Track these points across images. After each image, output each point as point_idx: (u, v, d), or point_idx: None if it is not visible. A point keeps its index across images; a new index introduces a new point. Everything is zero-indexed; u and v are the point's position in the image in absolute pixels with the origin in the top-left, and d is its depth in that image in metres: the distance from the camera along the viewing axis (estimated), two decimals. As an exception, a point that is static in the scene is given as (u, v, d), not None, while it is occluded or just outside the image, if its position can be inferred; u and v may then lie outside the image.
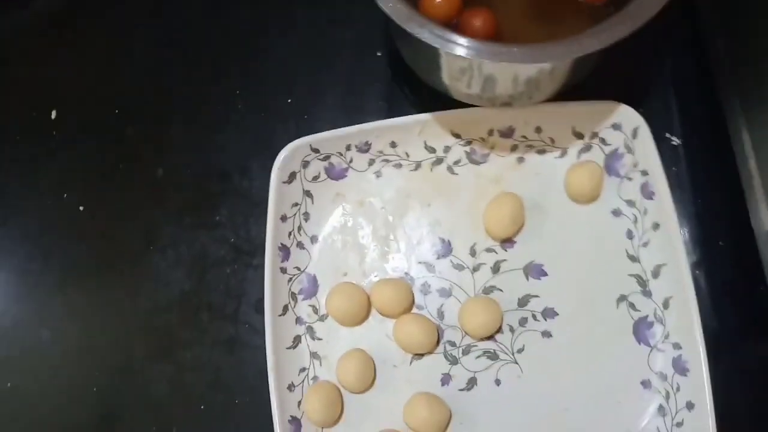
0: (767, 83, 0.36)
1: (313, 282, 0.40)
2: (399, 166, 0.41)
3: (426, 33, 0.32)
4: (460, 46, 0.31)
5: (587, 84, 0.37)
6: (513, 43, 0.32)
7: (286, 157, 0.39)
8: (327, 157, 0.41)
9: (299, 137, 0.40)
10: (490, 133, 0.40)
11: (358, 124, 0.40)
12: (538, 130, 0.40)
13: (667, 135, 0.40)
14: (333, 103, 0.44)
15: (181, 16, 0.48)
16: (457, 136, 0.41)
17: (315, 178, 0.41)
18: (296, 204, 0.40)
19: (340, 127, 0.40)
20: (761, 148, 0.36)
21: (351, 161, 0.41)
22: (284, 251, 0.39)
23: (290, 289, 0.39)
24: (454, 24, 0.38)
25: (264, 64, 0.46)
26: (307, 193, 0.40)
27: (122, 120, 0.47)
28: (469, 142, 0.41)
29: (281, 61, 0.46)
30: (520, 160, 0.40)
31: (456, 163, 0.41)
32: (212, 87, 0.46)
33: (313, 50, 0.46)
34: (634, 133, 0.38)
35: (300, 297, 0.40)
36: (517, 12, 0.39)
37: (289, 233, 0.40)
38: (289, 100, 0.45)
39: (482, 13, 0.38)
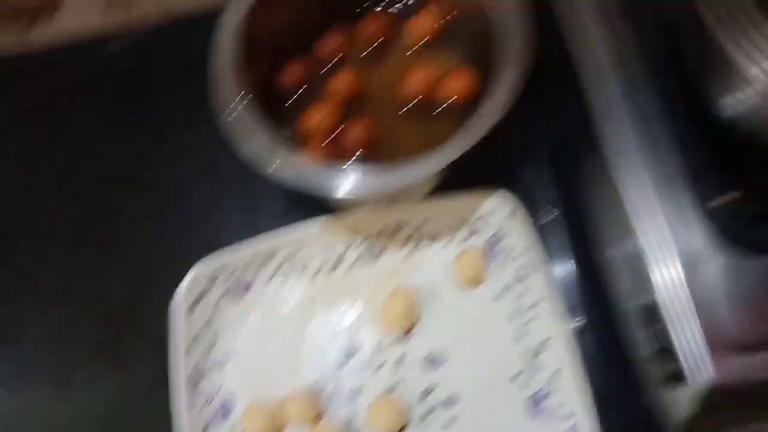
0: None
1: (227, 405, 0.40)
2: (301, 272, 0.43)
3: (295, 180, 0.35)
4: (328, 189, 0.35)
5: (468, 170, 0.39)
6: (385, 162, 0.35)
7: (187, 285, 0.41)
8: (231, 274, 0.43)
9: (203, 257, 0.42)
10: (382, 230, 0.43)
11: (257, 237, 0.43)
12: (426, 221, 0.43)
13: (548, 208, 0.44)
14: (232, 221, 0.46)
15: (75, 145, 0.51)
16: (352, 237, 0.43)
17: (219, 299, 0.42)
18: (202, 330, 0.41)
19: (241, 242, 0.42)
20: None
21: (254, 275, 0.43)
22: (192, 382, 0.40)
23: (203, 419, 0.40)
24: (340, 132, 0.42)
25: (160, 188, 0.48)
26: (212, 317, 0.42)
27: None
28: (364, 241, 0.43)
29: (177, 184, 0.48)
30: (412, 252, 0.43)
31: (354, 263, 0.43)
32: (109, 213, 0.48)
33: (207, 171, 0.48)
34: (510, 217, 0.41)
35: (214, 424, 0.40)
36: (393, 119, 0.43)
37: (196, 363, 0.40)
38: (188, 222, 0.47)
39: (362, 123, 0.42)
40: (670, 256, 0.32)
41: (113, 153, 0.50)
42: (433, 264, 0.43)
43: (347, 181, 0.35)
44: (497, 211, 0.41)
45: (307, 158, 0.38)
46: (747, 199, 0.31)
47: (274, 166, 0.35)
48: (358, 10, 0.45)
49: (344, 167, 0.36)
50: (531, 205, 0.42)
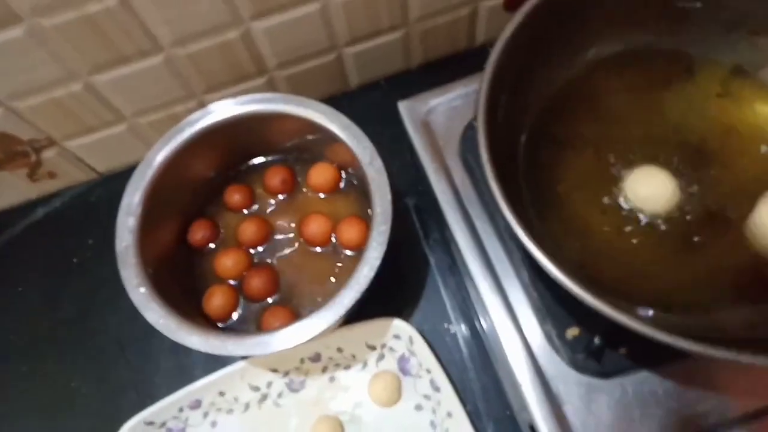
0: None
1: None
2: (231, 411, 0.46)
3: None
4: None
5: (376, 302, 0.44)
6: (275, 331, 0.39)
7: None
8: (163, 424, 0.45)
9: (135, 411, 0.44)
10: (302, 361, 0.47)
11: (190, 377, 0.46)
12: (340, 350, 0.46)
13: (446, 325, 0.48)
14: (162, 372, 0.49)
15: (12, 304, 0.54)
16: (274, 371, 0.47)
17: (154, 450, 0.45)
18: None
19: (170, 393, 0.45)
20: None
21: (186, 420, 0.46)
22: None
23: None
24: (243, 276, 0.46)
25: (98, 341, 0.51)
26: (147, 471, 0.44)
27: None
28: (286, 373, 0.47)
29: (108, 341, 0.51)
30: (332, 379, 0.47)
31: (279, 395, 0.47)
32: (42, 374, 0.50)
33: (137, 328, 0.49)
34: (411, 341, 0.45)
35: None
36: (300, 259, 0.47)
37: None
38: (125, 372, 0.50)
39: (265, 270, 0.45)
40: (542, 381, 0.36)
41: (43, 315, 0.53)
42: (353, 388, 0.46)
43: (248, 346, 0.38)
44: (401, 336, 0.45)
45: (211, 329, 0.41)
46: (583, 336, 0.35)
47: (180, 337, 0.38)
48: (254, 162, 0.50)
49: (243, 336, 0.39)
50: (434, 321, 0.47)
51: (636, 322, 0.27)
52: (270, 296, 0.45)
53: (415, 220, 0.52)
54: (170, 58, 0.46)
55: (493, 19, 0.56)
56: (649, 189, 0.35)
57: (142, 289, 0.40)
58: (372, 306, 0.44)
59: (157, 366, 0.50)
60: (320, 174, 0.47)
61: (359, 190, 0.48)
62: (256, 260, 0.47)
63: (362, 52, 0.54)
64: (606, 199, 0.36)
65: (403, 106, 0.44)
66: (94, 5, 0.39)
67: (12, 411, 0.50)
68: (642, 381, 0.36)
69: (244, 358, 0.45)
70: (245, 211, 0.49)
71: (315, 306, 0.45)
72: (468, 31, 0.57)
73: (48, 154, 0.52)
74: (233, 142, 0.48)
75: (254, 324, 0.45)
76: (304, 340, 0.38)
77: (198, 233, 0.48)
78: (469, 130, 0.42)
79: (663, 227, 0.36)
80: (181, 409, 0.45)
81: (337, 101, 0.58)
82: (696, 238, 0.35)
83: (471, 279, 0.40)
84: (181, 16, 0.43)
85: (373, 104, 0.58)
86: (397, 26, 0.52)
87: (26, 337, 0.52)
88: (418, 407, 0.45)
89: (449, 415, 0.44)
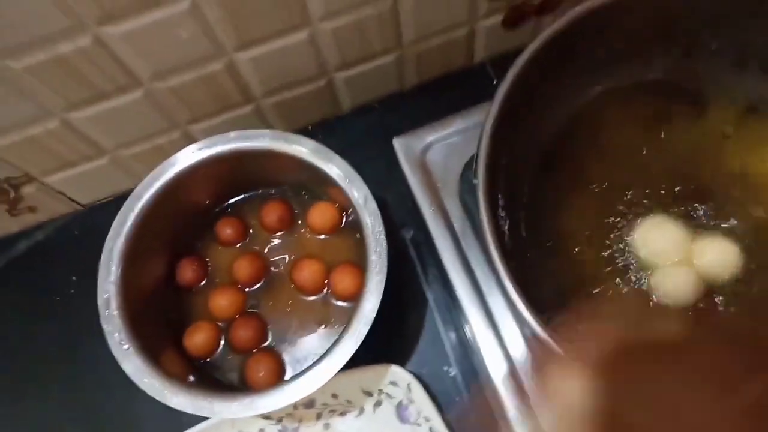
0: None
1: None
2: (222, 460, 0.45)
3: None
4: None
5: (373, 343, 0.40)
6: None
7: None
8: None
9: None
10: (295, 407, 0.45)
11: (179, 424, 0.44)
12: (335, 396, 0.45)
13: (445, 368, 0.46)
14: (154, 409, 0.47)
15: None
16: (267, 418, 0.45)
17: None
18: None
19: (166, 430, 0.44)
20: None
21: (176, 471, 0.44)
22: None
23: None
24: (233, 321, 0.44)
25: (84, 382, 0.49)
26: None
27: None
28: (279, 420, 0.45)
29: (100, 376, 0.49)
30: (327, 426, 0.45)
31: (272, 443, 0.45)
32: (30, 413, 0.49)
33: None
34: (409, 388, 0.43)
35: None
36: (293, 302, 0.45)
37: None
38: (113, 414, 0.48)
39: (253, 320, 0.44)
40: None
41: (24, 353, 0.51)
42: (349, 436, 0.45)
43: (236, 408, 0.37)
44: (398, 382, 0.44)
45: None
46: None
47: (164, 398, 0.37)
48: (251, 194, 0.48)
49: (231, 396, 0.38)
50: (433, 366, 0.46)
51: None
52: (256, 347, 0.43)
53: (413, 255, 0.50)
54: (151, 92, 0.44)
55: (491, 37, 0.53)
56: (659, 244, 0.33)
57: (126, 346, 0.38)
58: (369, 347, 0.42)
59: (145, 409, 0.47)
60: (320, 215, 0.44)
61: (354, 236, 0.45)
62: (250, 300, 0.45)
63: (354, 76, 0.51)
64: (610, 252, 0.34)
65: (399, 144, 0.42)
66: (66, 45, 0.37)
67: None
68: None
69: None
70: (238, 245, 0.47)
71: (303, 355, 0.43)
72: (466, 51, 0.54)
73: (27, 189, 0.49)
74: (225, 177, 0.46)
75: (236, 363, 0.43)
76: (292, 401, 0.36)
77: (187, 273, 0.46)
78: (468, 170, 0.40)
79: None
80: (170, 460, 0.44)
81: (329, 126, 0.56)
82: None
83: (471, 330, 0.38)
84: (159, 50, 0.40)
85: (367, 128, 0.55)
86: (391, 49, 0.50)
87: (7, 376, 0.50)
88: (418, 455, 0.44)
89: (451, 462, 0.42)
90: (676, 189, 0.35)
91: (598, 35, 0.35)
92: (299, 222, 0.47)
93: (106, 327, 0.39)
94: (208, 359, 0.44)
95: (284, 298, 0.44)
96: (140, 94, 0.44)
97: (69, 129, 0.44)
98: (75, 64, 0.39)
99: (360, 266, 0.42)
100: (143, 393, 0.47)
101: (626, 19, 0.34)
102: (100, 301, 0.39)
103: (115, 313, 0.39)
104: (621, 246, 0.34)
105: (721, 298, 0.33)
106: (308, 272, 0.42)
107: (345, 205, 0.45)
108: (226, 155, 0.43)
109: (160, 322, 0.44)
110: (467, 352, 0.45)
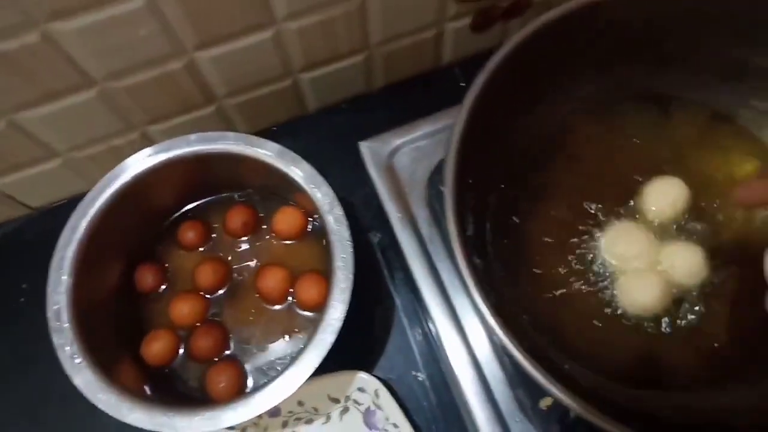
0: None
1: None
2: (184, 473, 0.43)
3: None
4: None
5: (340, 350, 0.39)
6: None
7: None
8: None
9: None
10: (260, 416, 0.44)
11: None
12: (301, 403, 0.44)
13: (414, 373, 0.46)
14: (110, 421, 0.44)
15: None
16: (230, 427, 0.44)
17: None
18: None
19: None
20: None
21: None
22: None
23: None
24: (193, 329, 0.42)
25: (35, 395, 0.47)
26: None
27: None
28: (243, 430, 0.44)
29: (53, 389, 0.46)
30: (293, 435, 0.44)
31: (237, 453, 0.44)
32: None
33: None
34: (376, 394, 0.43)
35: None
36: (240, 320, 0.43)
37: None
38: (65, 429, 0.46)
39: (214, 329, 0.42)
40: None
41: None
42: (315, 445, 0.44)
43: (198, 423, 0.35)
44: (366, 389, 0.43)
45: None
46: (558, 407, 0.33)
47: (121, 414, 0.35)
48: (216, 197, 0.46)
49: (193, 410, 0.36)
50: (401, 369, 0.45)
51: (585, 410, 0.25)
52: (217, 356, 0.42)
53: (380, 258, 0.49)
54: (105, 92, 0.42)
55: (460, 40, 0.52)
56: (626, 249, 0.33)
57: (78, 360, 0.36)
58: (335, 353, 0.41)
59: (101, 422, 0.45)
60: (284, 220, 0.43)
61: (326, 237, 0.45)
62: (212, 308, 0.43)
63: (321, 77, 0.50)
64: (579, 259, 0.34)
65: (365, 148, 0.41)
66: (11, 43, 0.35)
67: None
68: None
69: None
70: (201, 249, 0.45)
71: (266, 364, 0.42)
72: (434, 52, 0.53)
73: (-28, 192, 0.47)
74: (186, 181, 0.44)
75: (196, 373, 0.42)
76: (257, 413, 0.35)
77: (146, 278, 0.44)
78: (436, 175, 0.39)
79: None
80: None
81: (294, 127, 0.55)
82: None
83: (437, 333, 0.38)
84: (114, 48, 0.38)
85: (334, 129, 0.54)
86: (358, 50, 0.49)
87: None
88: (387, 462, 0.43)
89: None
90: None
91: (567, 42, 0.34)
92: (264, 227, 0.45)
93: (57, 340, 0.37)
94: (167, 369, 0.42)
95: (248, 306, 0.43)
96: (94, 94, 0.42)
97: (16, 130, 0.42)
98: (22, 62, 0.37)
99: (325, 274, 0.41)
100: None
101: (594, 28, 0.34)
102: (49, 313, 0.37)
103: (66, 325, 0.37)
104: (588, 252, 0.35)
105: (687, 304, 0.33)
106: (273, 281, 0.41)
107: (311, 210, 0.44)
108: (185, 158, 0.41)
109: (115, 332, 0.42)
110: (435, 356, 0.45)
